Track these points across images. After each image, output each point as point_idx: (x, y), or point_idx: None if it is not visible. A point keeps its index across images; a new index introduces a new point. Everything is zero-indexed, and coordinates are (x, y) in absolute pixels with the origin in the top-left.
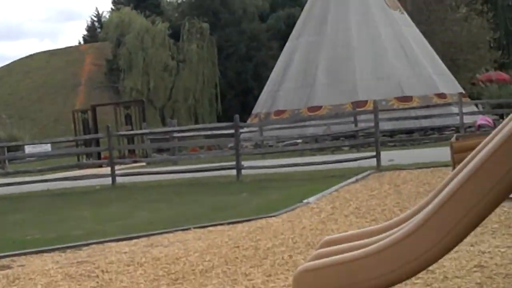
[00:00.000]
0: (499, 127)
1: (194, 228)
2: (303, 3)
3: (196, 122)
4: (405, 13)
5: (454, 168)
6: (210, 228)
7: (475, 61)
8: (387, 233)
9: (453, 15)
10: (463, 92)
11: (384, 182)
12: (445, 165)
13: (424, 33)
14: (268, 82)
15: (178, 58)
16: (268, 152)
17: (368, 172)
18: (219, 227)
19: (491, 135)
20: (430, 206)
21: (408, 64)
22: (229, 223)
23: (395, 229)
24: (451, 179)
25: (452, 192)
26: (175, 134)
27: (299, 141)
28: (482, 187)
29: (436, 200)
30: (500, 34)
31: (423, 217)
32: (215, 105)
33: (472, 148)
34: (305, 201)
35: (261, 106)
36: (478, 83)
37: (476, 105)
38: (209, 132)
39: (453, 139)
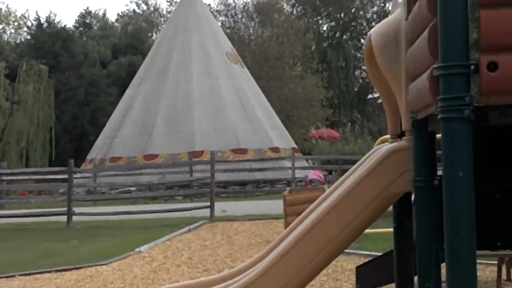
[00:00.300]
0: (339, 181)
1: (19, 275)
2: (145, 51)
3: (27, 166)
4: (245, 67)
5: (286, 220)
6: (37, 276)
7: (309, 118)
8: (223, 284)
9: (290, 73)
10: (296, 147)
11: (217, 233)
12: (276, 218)
13: (262, 88)
14: (105, 128)
15: (13, 99)
16: (100, 199)
17: (201, 222)
18: (46, 275)
19: (331, 188)
20: (268, 258)
21: (245, 117)
22: (56, 271)
23: (230, 281)
24: (288, 233)
25: (291, 245)
26: (4, 177)
27: (133, 188)
28: (325, 236)
29: (275, 252)
30: (334, 93)
31: (261, 269)
32: (49, 149)
33: (304, 202)
34: (137, 249)
35: (96, 152)
36: (311, 139)
37: (307, 160)
38: (40, 177)
39: (286, 192)
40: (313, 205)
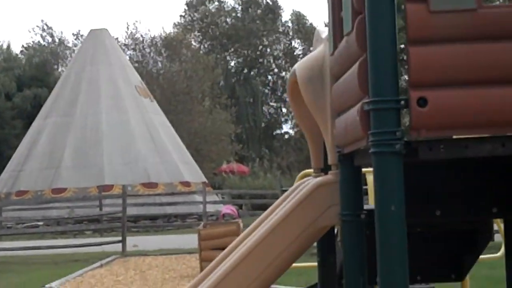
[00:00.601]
0: (263, 216)
1: None
2: (51, 84)
3: None
4: (154, 101)
5: (200, 255)
6: None
7: (218, 152)
8: None
9: (199, 107)
10: (206, 181)
11: (129, 268)
12: (189, 252)
13: (172, 122)
14: (11, 161)
15: None
16: (7, 234)
17: (113, 257)
18: None
19: (255, 223)
20: None
21: (155, 151)
22: None
23: None
24: (212, 269)
25: (219, 281)
26: None
27: (41, 223)
28: (253, 271)
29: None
30: (243, 128)
31: None
32: None
33: (218, 236)
34: (47, 286)
35: (2, 185)
36: (220, 174)
37: (217, 194)
38: None
39: (200, 227)
40: (236, 240)
